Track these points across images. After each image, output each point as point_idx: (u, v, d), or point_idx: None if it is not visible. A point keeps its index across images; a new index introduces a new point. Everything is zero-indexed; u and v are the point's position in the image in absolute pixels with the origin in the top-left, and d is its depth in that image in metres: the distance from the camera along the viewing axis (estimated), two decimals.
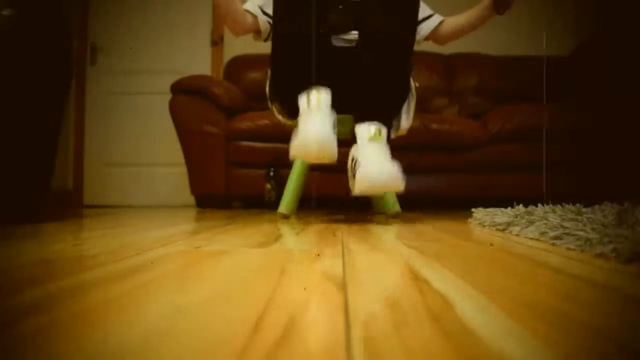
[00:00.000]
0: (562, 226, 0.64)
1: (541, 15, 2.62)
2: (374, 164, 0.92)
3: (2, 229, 0.83)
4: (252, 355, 0.19)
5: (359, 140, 0.99)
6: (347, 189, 1.02)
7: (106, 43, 2.76)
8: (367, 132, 0.99)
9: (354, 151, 1.00)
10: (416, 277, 0.37)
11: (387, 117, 1.07)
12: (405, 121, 1.24)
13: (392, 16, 1.06)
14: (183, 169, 2.20)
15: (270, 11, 1.23)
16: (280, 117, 1.30)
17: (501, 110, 1.97)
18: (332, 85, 1.07)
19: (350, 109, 1.11)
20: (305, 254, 0.50)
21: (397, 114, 1.18)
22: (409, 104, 1.22)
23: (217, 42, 2.72)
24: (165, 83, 2.72)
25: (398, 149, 1.58)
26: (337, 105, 1.06)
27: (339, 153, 0.94)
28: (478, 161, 1.88)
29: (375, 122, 1.00)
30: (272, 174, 1.82)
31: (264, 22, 1.23)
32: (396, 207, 1.19)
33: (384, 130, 1.00)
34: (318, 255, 0.50)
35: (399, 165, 0.92)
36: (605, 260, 0.46)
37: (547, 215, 0.77)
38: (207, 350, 0.20)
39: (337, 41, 1.19)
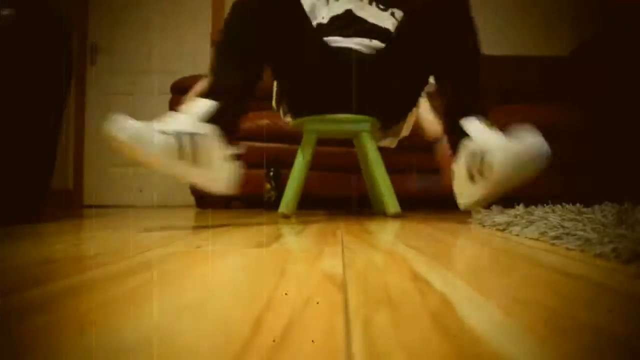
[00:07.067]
0: (562, 226, 0.64)
1: (541, 15, 2.62)
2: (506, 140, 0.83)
3: (2, 229, 0.83)
4: (252, 355, 0.19)
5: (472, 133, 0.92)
6: (347, 189, 0.99)
7: (106, 43, 2.77)
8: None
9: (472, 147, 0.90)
10: (416, 277, 0.37)
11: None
12: (406, 129, 1.34)
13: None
14: None
15: None
16: (288, 119, 1.31)
17: (501, 110, 1.97)
18: (336, 85, 1.09)
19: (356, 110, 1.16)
20: (305, 254, 0.50)
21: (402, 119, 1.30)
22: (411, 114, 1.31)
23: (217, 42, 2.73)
24: (165, 83, 2.72)
25: (398, 149, 1.59)
26: (340, 105, 1.08)
27: (338, 153, 0.91)
28: None
29: None
30: (272, 174, 1.81)
31: None
32: (396, 207, 1.19)
33: None
34: (318, 254, 0.50)
35: None
36: (605, 260, 0.46)
37: (547, 215, 0.77)
38: (207, 350, 0.20)
39: (347, 43, 1.19)
